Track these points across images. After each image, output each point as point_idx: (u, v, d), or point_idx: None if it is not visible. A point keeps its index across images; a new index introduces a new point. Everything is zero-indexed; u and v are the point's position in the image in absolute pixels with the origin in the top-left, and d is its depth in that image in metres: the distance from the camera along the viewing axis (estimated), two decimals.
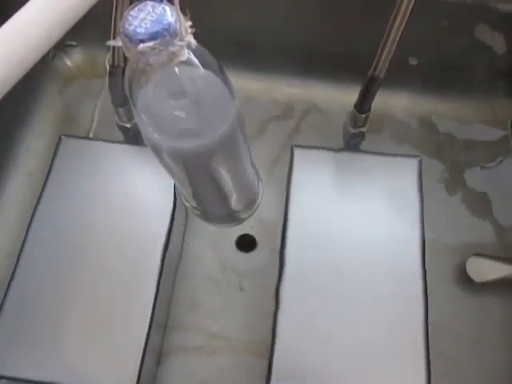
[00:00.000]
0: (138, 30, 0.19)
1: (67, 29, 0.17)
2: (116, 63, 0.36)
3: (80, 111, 0.49)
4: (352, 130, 0.42)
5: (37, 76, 0.49)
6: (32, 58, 0.15)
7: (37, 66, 0.50)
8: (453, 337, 0.39)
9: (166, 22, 0.19)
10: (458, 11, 0.41)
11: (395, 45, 0.33)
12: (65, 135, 0.40)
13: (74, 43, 0.51)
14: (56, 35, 0.16)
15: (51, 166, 0.39)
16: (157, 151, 0.26)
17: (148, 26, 0.19)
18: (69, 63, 0.51)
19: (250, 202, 0.38)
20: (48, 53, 0.51)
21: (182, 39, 0.20)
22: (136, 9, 0.20)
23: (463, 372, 0.38)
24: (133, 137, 0.43)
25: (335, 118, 0.44)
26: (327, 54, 0.47)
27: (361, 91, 0.38)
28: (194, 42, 0.20)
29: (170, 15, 0.19)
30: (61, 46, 0.51)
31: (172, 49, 0.20)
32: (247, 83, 0.49)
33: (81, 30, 0.48)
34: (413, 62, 0.33)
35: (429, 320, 0.33)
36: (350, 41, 0.45)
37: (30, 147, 0.47)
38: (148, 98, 0.23)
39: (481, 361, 0.38)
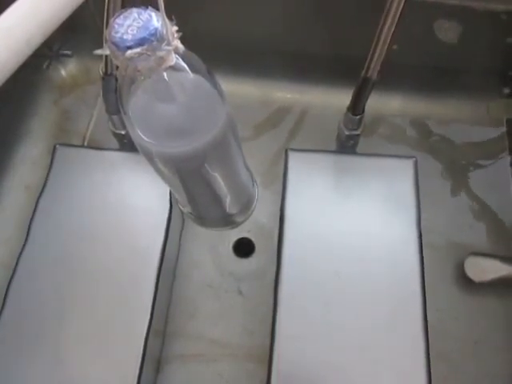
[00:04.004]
0: (125, 36, 0.19)
1: (48, 34, 0.17)
2: (109, 71, 0.36)
3: (75, 120, 0.49)
4: (346, 133, 0.42)
5: (32, 86, 0.49)
6: (13, 64, 0.15)
7: (32, 76, 0.51)
8: (452, 338, 0.39)
9: (152, 28, 0.19)
10: (446, 11, 0.42)
11: (386, 46, 0.33)
12: (60, 144, 0.41)
13: (69, 53, 0.51)
14: (37, 40, 0.16)
15: (47, 175, 0.39)
16: (149, 157, 0.26)
17: (134, 32, 0.19)
18: (64, 73, 0.52)
19: (246, 205, 0.38)
20: (43, 63, 0.51)
21: (169, 44, 0.20)
22: (121, 16, 0.20)
23: (463, 373, 0.38)
24: (128, 144, 0.44)
25: (330, 120, 0.44)
26: (320, 57, 0.47)
27: (354, 93, 0.38)
28: (181, 46, 0.20)
29: (156, 21, 0.19)
30: (56, 56, 0.51)
31: (159, 54, 0.20)
32: (241, 88, 0.50)
33: (76, 39, 0.49)
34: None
35: (428, 321, 0.33)
36: (343, 43, 0.46)
37: (26, 157, 0.47)
38: (138, 104, 0.23)
39: (481, 362, 0.38)
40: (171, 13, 0.20)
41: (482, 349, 0.39)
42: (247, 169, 0.36)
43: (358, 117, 0.40)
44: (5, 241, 0.43)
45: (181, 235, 0.43)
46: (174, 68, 0.21)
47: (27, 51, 0.16)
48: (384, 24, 0.32)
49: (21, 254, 0.36)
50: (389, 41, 0.32)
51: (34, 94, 0.49)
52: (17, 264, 0.36)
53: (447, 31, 0.43)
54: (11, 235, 0.43)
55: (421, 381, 0.32)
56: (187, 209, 0.37)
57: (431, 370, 0.32)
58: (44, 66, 0.51)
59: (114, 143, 0.45)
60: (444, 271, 0.41)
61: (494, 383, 0.38)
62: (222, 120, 0.25)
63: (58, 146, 0.40)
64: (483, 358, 0.38)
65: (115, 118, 0.41)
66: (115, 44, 0.19)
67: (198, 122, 0.24)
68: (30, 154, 0.47)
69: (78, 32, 0.48)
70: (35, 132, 0.49)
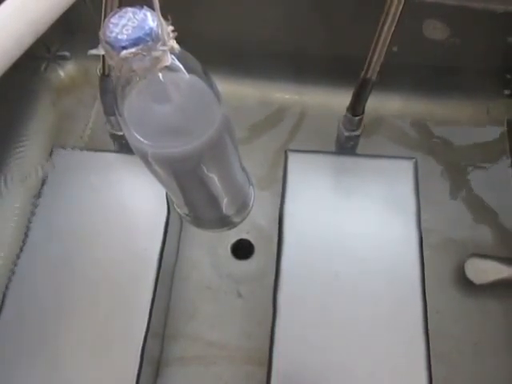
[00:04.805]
0: (120, 36, 0.19)
1: (39, 34, 0.17)
2: (107, 72, 0.36)
3: (73, 122, 0.49)
4: (346, 134, 0.41)
5: (30, 87, 0.49)
6: (3, 65, 0.15)
7: (30, 78, 0.51)
8: (452, 339, 0.39)
9: (147, 28, 0.19)
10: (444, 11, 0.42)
11: (386, 47, 0.33)
12: (58, 146, 0.41)
13: (67, 54, 0.51)
14: (27, 41, 0.16)
15: (45, 177, 0.39)
16: (144, 158, 0.26)
17: (129, 32, 0.19)
18: (62, 74, 0.52)
19: (242, 206, 0.38)
20: (41, 64, 0.51)
21: (164, 44, 0.20)
22: (116, 16, 0.19)
23: (464, 375, 0.38)
24: (126, 145, 0.43)
25: (329, 121, 0.44)
26: (319, 58, 0.47)
27: (353, 94, 0.38)
28: (177, 46, 0.20)
29: (152, 20, 0.19)
30: (54, 58, 0.51)
31: (155, 54, 0.20)
32: (240, 89, 0.49)
33: (74, 40, 0.49)
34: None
35: (428, 323, 0.33)
36: (341, 44, 0.45)
37: (24, 158, 0.47)
38: (133, 104, 0.23)
39: (481, 363, 0.38)
40: (169, 13, 0.20)
41: (481, 350, 0.38)
42: (243, 169, 0.36)
43: (357, 118, 0.40)
44: (3, 242, 0.43)
45: (179, 237, 0.43)
46: (170, 68, 0.21)
47: (17, 51, 0.15)
48: (383, 24, 0.31)
49: (19, 255, 0.36)
50: (388, 41, 0.32)
51: (32, 96, 0.49)
52: (15, 265, 0.36)
53: (447, 31, 0.43)
54: (10, 236, 0.43)
55: (421, 382, 0.32)
56: (184, 210, 0.37)
57: (432, 372, 0.32)
58: (42, 68, 0.50)
59: (113, 144, 0.45)
60: (444, 273, 0.41)
61: None
62: (217, 121, 0.25)
63: (56, 147, 0.40)
64: (483, 359, 0.38)
65: (113, 119, 0.41)
66: (110, 44, 0.19)
67: (194, 122, 0.24)
68: (28, 155, 0.47)
69: (75, 33, 0.48)
70: (33, 133, 0.48)
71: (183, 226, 0.43)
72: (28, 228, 0.37)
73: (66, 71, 0.52)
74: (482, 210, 0.43)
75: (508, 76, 0.47)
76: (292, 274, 0.35)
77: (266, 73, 0.49)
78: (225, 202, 0.33)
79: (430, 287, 0.34)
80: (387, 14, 0.31)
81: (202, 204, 0.34)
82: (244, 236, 0.43)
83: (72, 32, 0.48)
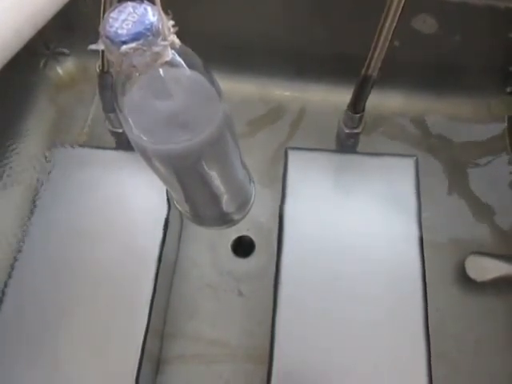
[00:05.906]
0: (120, 31, 0.19)
1: (38, 28, 0.17)
2: (106, 68, 0.36)
3: (73, 119, 0.49)
4: (346, 131, 0.41)
5: (29, 85, 0.49)
6: (2, 58, 0.15)
7: (28, 75, 0.50)
8: (453, 337, 0.39)
9: (147, 22, 0.19)
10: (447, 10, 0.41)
11: (387, 44, 0.33)
12: (57, 143, 0.40)
13: (65, 51, 0.51)
14: (27, 34, 0.16)
15: (44, 174, 0.39)
16: (144, 154, 0.26)
17: (130, 26, 0.19)
18: (60, 71, 0.51)
19: (243, 204, 0.38)
20: (39, 61, 0.51)
21: (165, 39, 0.19)
22: (116, 10, 0.19)
23: (464, 373, 0.38)
24: (126, 142, 0.43)
25: (329, 119, 0.44)
26: (319, 55, 0.46)
27: (354, 91, 0.38)
28: (177, 41, 0.20)
29: (152, 15, 0.19)
30: (52, 54, 0.51)
31: (155, 49, 0.19)
32: (240, 86, 0.49)
33: (73, 37, 0.49)
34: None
35: (429, 321, 0.33)
36: (342, 41, 0.45)
37: (23, 156, 0.47)
38: (133, 100, 0.23)
39: (482, 361, 0.38)
40: (169, 9, 0.20)
41: (482, 348, 0.38)
42: (244, 166, 0.36)
43: (358, 115, 0.40)
44: (3, 240, 0.43)
45: (180, 234, 0.42)
46: (170, 64, 0.21)
47: (17, 44, 0.15)
48: (385, 21, 0.31)
49: (19, 253, 0.36)
50: (390, 38, 0.32)
51: (30, 93, 0.49)
52: (15, 263, 0.35)
53: (448, 28, 0.43)
54: (9, 234, 0.43)
55: (422, 381, 0.31)
56: (184, 207, 0.37)
57: (432, 370, 0.32)
58: (41, 65, 0.50)
59: (112, 142, 0.45)
60: (445, 270, 0.41)
61: (494, 383, 0.37)
62: (218, 117, 0.25)
63: (55, 144, 0.40)
64: (484, 357, 0.38)
65: (112, 116, 0.41)
66: (110, 39, 0.19)
67: (195, 118, 0.24)
68: (26, 153, 0.47)
69: (74, 30, 0.48)
70: (32, 131, 0.48)
71: (184, 223, 0.43)
72: (28, 225, 0.37)
73: (64, 68, 0.51)
74: (482, 208, 0.43)
75: (510, 72, 0.47)
76: (292, 273, 0.35)
77: (267, 70, 0.49)
78: (225, 199, 0.33)
79: (430, 285, 0.34)
80: (389, 11, 0.31)
81: (202, 201, 0.34)
82: (244, 234, 0.43)
83: (71, 29, 0.47)
